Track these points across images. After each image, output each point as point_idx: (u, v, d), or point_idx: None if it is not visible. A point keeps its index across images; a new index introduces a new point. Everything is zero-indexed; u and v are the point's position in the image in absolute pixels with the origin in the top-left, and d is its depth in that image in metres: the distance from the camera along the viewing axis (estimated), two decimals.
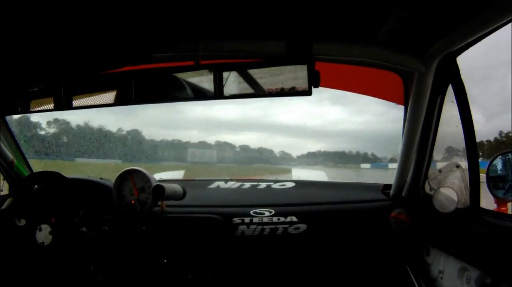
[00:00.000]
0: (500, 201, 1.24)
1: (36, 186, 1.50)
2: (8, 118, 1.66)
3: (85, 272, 1.41)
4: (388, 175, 1.71)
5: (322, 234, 1.51)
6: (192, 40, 1.16)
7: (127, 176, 1.47)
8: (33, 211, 1.36)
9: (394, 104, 1.50)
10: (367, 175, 4.32)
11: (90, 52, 1.19)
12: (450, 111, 1.25)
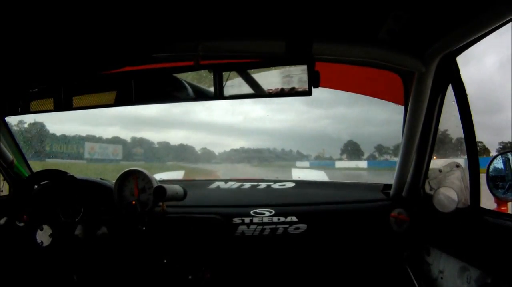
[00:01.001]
0: (500, 201, 1.24)
1: (36, 186, 1.50)
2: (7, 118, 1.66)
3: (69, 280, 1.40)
4: None
5: (322, 234, 1.51)
6: (192, 40, 1.16)
7: (128, 176, 1.47)
8: (34, 211, 1.36)
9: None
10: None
11: (90, 52, 1.19)
12: (450, 111, 1.25)
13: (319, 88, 1.14)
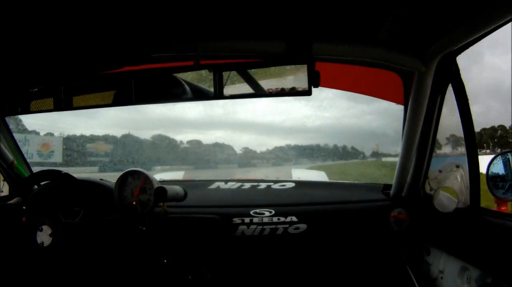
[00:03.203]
0: (500, 201, 1.24)
1: (35, 186, 1.50)
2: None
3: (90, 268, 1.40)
4: None
5: (322, 234, 1.51)
6: (192, 41, 1.16)
7: (129, 177, 1.47)
8: (34, 211, 1.36)
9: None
10: None
11: (90, 52, 1.19)
12: (450, 111, 1.25)
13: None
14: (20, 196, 1.43)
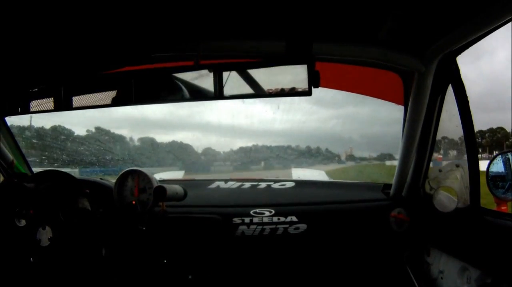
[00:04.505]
0: (500, 201, 1.24)
1: (32, 184, 1.49)
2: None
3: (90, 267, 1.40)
4: None
5: (322, 234, 1.51)
6: (192, 40, 1.16)
7: (128, 176, 1.47)
8: (34, 211, 1.36)
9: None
10: None
11: (90, 52, 1.19)
12: (450, 111, 1.25)
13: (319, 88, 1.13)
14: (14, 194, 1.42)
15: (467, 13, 0.91)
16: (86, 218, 1.36)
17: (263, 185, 1.75)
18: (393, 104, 1.51)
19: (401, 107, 1.43)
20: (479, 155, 1.16)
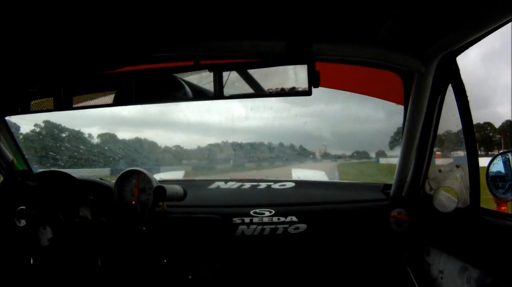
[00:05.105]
0: (500, 201, 1.24)
1: (36, 183, 1.49)
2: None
3: (90, 268, 1.40)
4: None
5: (322, 234, 1.51)
6: (191, 40, 1.16)
7: (128, 176, 1.47)
8: (36, 210, 1.36)
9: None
10: None
11: (90, 52, 1.19)
12: (450, 111, 1.25)
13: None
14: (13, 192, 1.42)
15: (467, 13, 0.91)
16: (85, 227, 1.35)
17: (263, 185, 1.75)
18: (368, 99, 1.52)
19: (378, 104, 1.41)
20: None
